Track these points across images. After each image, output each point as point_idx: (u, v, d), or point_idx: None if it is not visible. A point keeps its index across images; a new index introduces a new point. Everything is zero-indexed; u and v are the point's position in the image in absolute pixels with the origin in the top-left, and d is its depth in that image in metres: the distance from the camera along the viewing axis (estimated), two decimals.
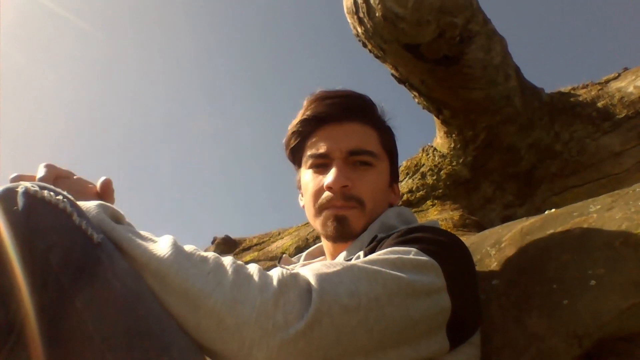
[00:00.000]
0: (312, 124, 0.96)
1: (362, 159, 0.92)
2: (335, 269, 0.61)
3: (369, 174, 0.92)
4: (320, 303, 0.55)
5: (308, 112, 0.96)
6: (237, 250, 2.96)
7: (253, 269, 0.60)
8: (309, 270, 0.61)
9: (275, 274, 0.59)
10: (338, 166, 0.90)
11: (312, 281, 0.58)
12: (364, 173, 0.92)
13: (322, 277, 0.59)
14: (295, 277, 0.59)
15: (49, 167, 0.74)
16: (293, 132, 0.98)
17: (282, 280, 0.57)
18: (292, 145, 1.00)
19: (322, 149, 0.93)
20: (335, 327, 0.56)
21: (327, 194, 0.91)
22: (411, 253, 0.69)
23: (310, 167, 0.95)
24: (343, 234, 0.90)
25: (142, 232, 0.64)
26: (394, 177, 1.01)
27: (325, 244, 1.00)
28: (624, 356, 0.75)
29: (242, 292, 0.55)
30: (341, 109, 0.94)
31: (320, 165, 0.94)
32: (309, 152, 0.96)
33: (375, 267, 0.63)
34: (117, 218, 0.66)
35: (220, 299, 0.55)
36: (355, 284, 0.60)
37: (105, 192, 0.79)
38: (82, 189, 0.77)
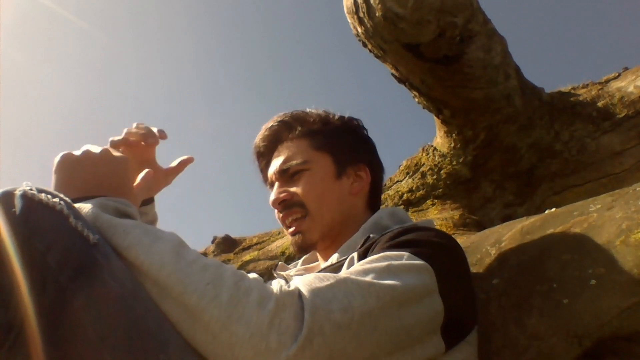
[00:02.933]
0: (259, 161, 1.10)
1: (292, 172, 0.99)
2: (328, 283, 0.61)
3: (302, 179, 0.99)
4: (313, 322, 0.55)
5: (253, 151, 1.11)
6: (237, 249, 2.96)
7: (253, 282, 0.59)
8: (302, 283, 0.61)
9: (274, 289, 0.58)
10: (277, 186, 1.01)
11: (305, 297, 0.58)
12: (299, 180, 0.99)
13: (315, 293, 0.58)
14: (291, 294, 0.58)
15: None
16: (260, 170, 1.11)
17: (280, 298, 0.57)
18: (264, 182, 1.11)
19: (268, 178, 1.05)
20: (327, 345, 0.56)
21: (276, 212, 1.01)
22: (404, 257, 0.69)
23: None
24: (304, 247, 0.97)
25: (146, 228, 0.63)
26: (342, 166, 1.02)
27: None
28: (624, 355, 0.75)
29: (238, 309, 0.55)
30: (269, 142, 1.07)
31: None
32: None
33: (368, 280, 0.63)
34: (122, 212, 0.66)
35: (216, 314, 0.55)
36: (349, 297, 0.60)
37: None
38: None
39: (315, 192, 0.97)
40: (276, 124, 1.06)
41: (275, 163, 1.02)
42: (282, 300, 0.57)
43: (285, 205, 0.98)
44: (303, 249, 0.98)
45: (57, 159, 0.71)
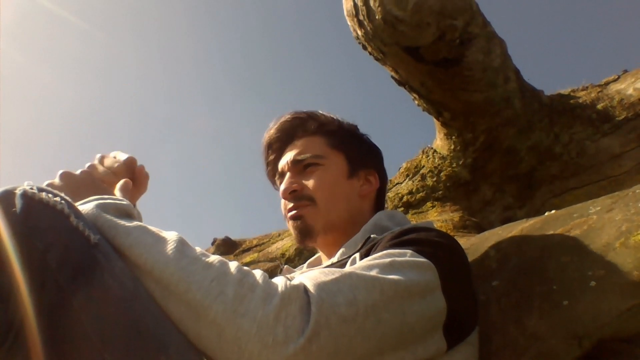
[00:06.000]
0: (268, 153, 1.09)
1: (307, 163, 1.00)
2: (333, 277, 0.61)
3: (316, 173, 0.99)
4: (319, 315, 0.55)
5: (265, 141, 1.09)
6: (237, 251, 2.96)
7: (258, 277, 0.59)
8: (307, 278, 0.61)
9: (279, 284, 0.58)
10: (288, 176, 1.01)
11: (311, 291, 0.58)
12: (312, 174, 0.99)
13: (320, 287, 0.58)
14: (297, 288, 0.58)
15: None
16: (267, 164, 1.11)
17: (285, 292, 0.57)
18: (269, 175, 1.12)
19: (279, 168, 1.05)
20: (333, 338, 0.56)
21: (284, 202, 1.01)
22: (407, 255, 0.69)
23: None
24: (304, 233, 0.97)
25: (148, 228, 0.63)
26: (355, 167, 1.03)
27: (319, 252, 1.05)
28: (625, 357, 0.75)
29: (244, 304, 0.55)
30: (283, 134, 1.06)
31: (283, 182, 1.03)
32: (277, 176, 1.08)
33: (373, 274, 0.63)
34: (122, 210, 0.66)
35: (221, 309, 0.54)
36: (353, 291, 0.60)
37: (133, 174, 0.83)
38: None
39: (326, 187, 0.98)
40: (291, 118, 1.06)
41: (290, 154, 1.03)
42: (288, 294, 0.56)
43: (295, 196, 0.98)
44: (304, 233, 0.97)
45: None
